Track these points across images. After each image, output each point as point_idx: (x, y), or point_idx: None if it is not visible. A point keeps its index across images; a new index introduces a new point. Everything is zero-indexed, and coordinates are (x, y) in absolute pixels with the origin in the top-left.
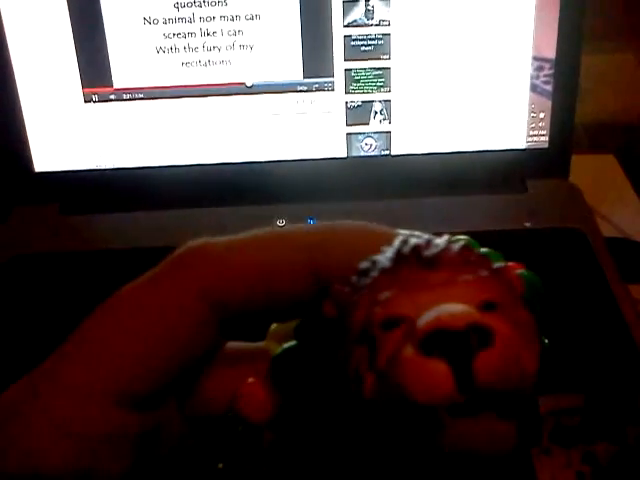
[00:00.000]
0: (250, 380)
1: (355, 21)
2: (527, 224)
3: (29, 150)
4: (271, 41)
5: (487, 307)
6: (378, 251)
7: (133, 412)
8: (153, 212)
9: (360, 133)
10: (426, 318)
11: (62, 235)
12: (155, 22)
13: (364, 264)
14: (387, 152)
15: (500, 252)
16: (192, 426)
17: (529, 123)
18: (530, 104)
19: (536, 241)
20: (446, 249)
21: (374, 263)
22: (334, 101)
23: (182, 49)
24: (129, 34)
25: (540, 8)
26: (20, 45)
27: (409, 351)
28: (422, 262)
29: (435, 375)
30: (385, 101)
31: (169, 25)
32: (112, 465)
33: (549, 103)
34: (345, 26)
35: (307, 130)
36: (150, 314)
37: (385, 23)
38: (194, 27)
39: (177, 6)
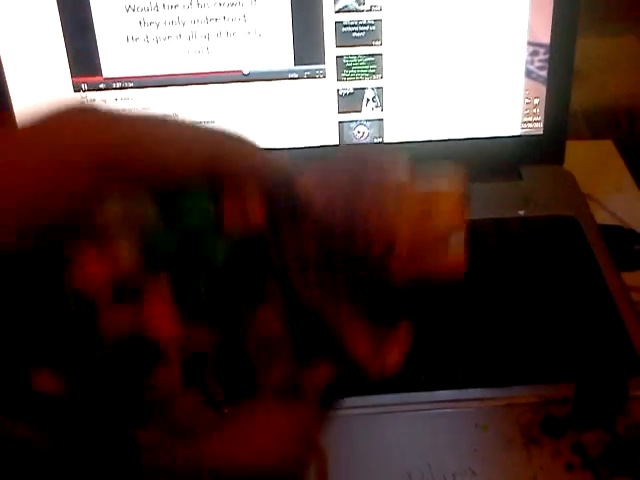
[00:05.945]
0: None
1: (346, 7)
2: (521, 212)
3: None
4: (262, 28)
5: None
6: None
7: None
8: None
9: (352, 121)
10: None
11: None
12: (145, 9)
13: None
14: (380, 139)
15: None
16: None
17: (524, 109)
18: (525, 90)
19: (530, 229)
20: None
21: None
22: (326, 88)
23: (171, 37)
24: (118, 22)
25: None
26: (8, 33)
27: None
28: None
29: None
30: (377, 88)
31: (158, 13)
32: None
33: (544, 89)
34: (336, 12)
35: (299, 118)
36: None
37: (377, 8)
38: (184, 15)
39: None
